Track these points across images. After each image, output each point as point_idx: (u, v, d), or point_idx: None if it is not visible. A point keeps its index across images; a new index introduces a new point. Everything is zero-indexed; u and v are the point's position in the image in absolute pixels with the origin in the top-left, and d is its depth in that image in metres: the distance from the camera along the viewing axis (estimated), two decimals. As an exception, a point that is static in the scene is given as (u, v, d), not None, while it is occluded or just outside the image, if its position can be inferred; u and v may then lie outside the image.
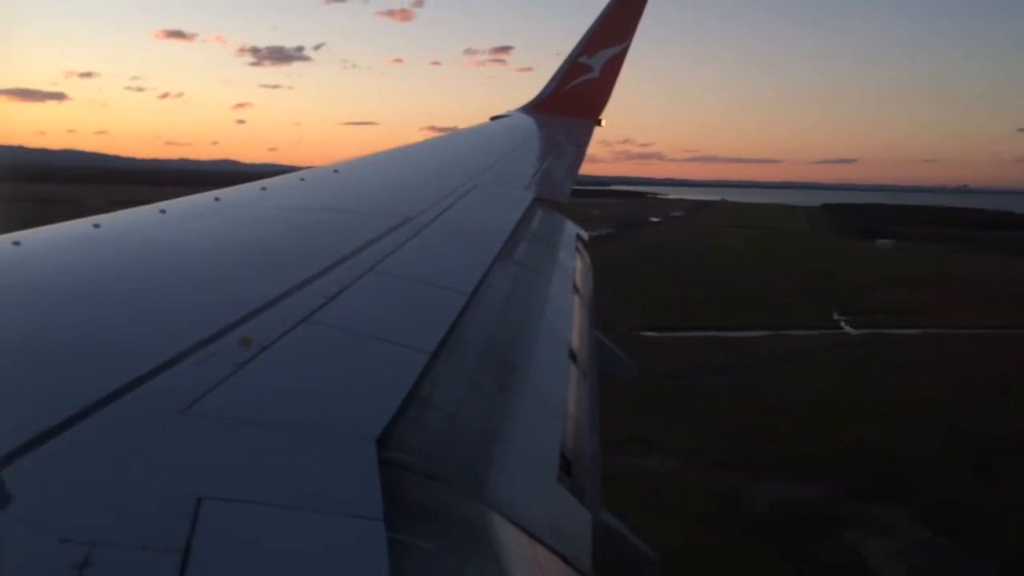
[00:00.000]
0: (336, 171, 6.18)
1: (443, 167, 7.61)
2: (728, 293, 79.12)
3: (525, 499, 2.40)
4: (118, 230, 3.61)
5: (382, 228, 4.12)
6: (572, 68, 12.12)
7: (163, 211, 3.98)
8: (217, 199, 4.45)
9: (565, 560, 2.20)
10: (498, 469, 2.45)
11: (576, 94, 12.08)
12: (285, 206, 4.65)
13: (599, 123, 12.21)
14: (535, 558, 2.14)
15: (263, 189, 4.93)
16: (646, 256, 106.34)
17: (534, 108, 12.25)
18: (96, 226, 3.48)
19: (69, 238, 3.41)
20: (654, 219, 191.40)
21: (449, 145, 9.64)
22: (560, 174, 9.16)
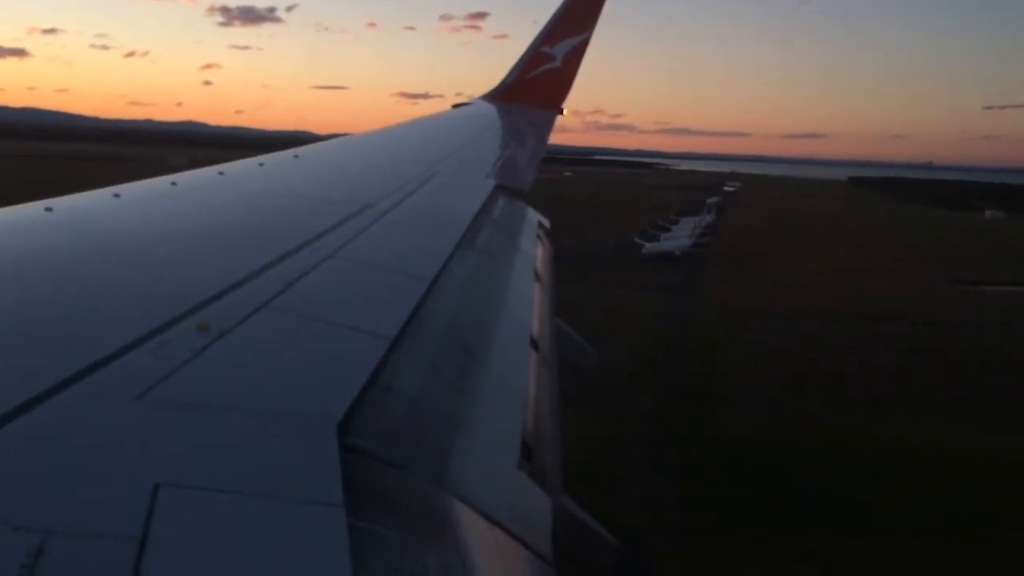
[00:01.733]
0: (296, 156, 6.17)
1: (405, 154, 7.66)
2: (948, 255, 78.79)
3: (486, 485, 2.41)
4: (72, 214, 3.54)
5: (343, 214, 4.09)
6: (534, 57, 12.15)
7: (117, 195, 3.91)
8: (173, 183, 4.39)
9: (525, 545, 2.21)
10: (459, 455, 2.47)
11: (538, 83, 12.13)
12: (244, 191, 4.62)
13: (561, 112, 12.27)
14: (496, 543, 2.15)
15: (221, 174, 4.89)
16: (806, 226, 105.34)
17: (496, 96, 12.27)
18: (49, 210, 3.41)
19: (21, 222, 3.35)
20: (728, 188, 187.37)
21: (411, 132, 9.69)
22: (522, 162, 9.26)
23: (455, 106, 12.09)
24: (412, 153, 7.76)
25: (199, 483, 1.63)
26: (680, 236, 75.00)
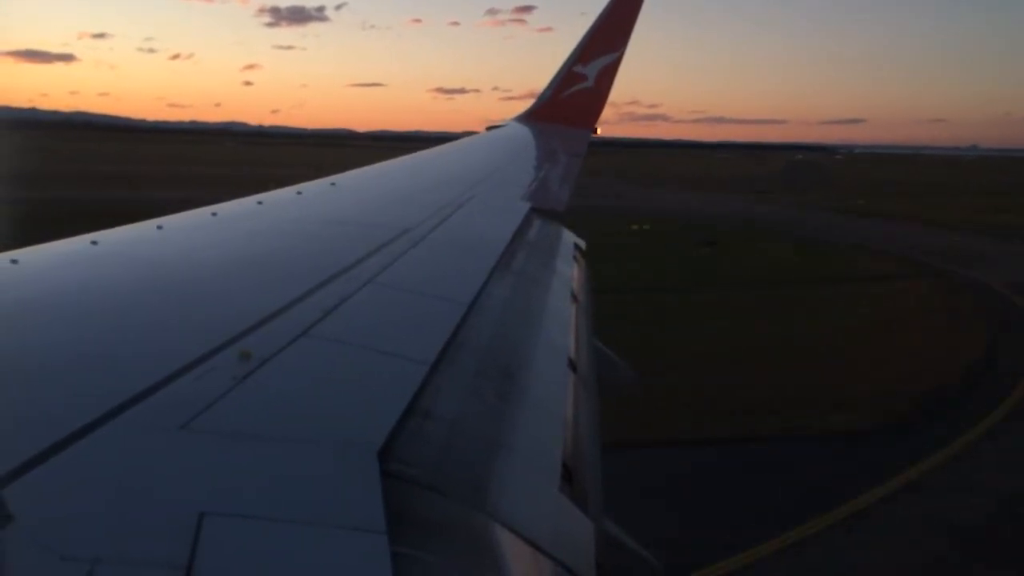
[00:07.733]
0: (333, 184, 6.27)
1: (440, 178, 7.73)
2: None
3: (527, 509, 2.40)
4: (116, 246, 3.64)
5: (380, 240, 4.16)
6: (567, 77, 12.17)
7: (160, 227, 4.01)
8: (214, 214, 4.50)
9: (569, 570, 2.19)
10: (500, 479, 2.46)
11: (571, 103, 12.13)
12: (283, 220, 4.72)
13: (595, 131, 12.25)
14: (539, 568, 2.14)
15: (260, 203, 5.00)
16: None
17: (530, 117, 12.34)
18: (94, 243, 3.52)
19: (67, 255, 3.43)
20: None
21: (446, 155, 9.78)
22: (557, 183, 9.24)
23: (489, 128, 12.23)
24: (447, 177, 7.82)
25: (243, 511, 1.65)
26: None
